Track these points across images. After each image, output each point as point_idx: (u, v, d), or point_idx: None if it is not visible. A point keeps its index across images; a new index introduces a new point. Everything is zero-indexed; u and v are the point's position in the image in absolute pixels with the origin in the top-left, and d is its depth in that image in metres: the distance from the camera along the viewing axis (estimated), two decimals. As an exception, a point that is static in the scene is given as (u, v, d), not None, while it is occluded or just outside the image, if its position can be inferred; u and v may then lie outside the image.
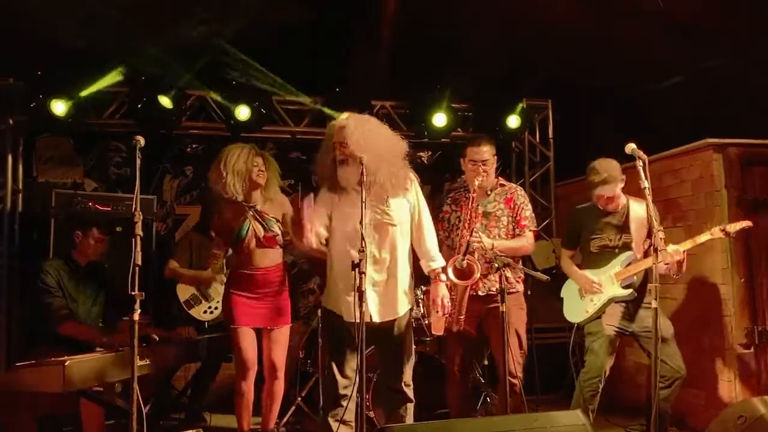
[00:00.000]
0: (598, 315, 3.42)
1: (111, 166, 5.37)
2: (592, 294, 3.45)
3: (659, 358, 3.28)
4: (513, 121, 5.58)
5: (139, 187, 2.57)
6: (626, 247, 3.41)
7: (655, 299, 2.82)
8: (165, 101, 4.84)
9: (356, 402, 3.95)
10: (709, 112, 6.45)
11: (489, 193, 3.45)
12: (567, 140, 6.23)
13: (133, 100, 4.89)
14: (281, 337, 3.48)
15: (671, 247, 3.15)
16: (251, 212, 3.40)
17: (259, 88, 5.06)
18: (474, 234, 3.10)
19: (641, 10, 5.40)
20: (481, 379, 4.41)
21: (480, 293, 3.32)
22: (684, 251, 3.20)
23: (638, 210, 3.37)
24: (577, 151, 6.48)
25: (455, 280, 3.07)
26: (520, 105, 5.62)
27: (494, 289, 3.30)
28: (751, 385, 3.89)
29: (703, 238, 3.21)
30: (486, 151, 3.38)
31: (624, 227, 3.41)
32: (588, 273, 3.49)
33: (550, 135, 6.10)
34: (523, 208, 3.44)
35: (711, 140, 3.99)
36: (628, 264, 3.38)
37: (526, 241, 3.42)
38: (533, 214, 3.50)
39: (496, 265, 2.89)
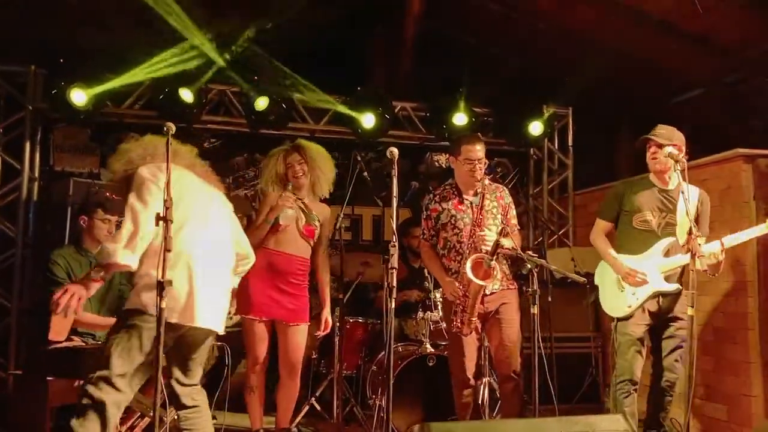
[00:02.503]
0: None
1: (128, 158, 5.32)
2: (636, 286, 3.20)
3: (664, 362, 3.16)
4: (536, 128, 5.53)
5: (170, 172, 2.51)
6: (669, 227, 3.22)
7: (692, 306, 2.76)
8: (186, 95, 4.80)
9: (377, 405, 3.94)
10: (731, 124, 6.43)
11: (478, 192, 3.39)
12: (586, 149, 6.20)
13: (155, 92, 4.86)
14: (300, 335, 3.44)
15: (708, 249, 2.99)
16: (299, 202, 3.46)
17: (281, 84, 5.02)
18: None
19: (664, 20, 5.38)
20: (496, 384, 4.34)
21: (487, 292, 3.25)
22: (722, 250, 3.01)
23: (690, 193, 3.14)
24: (596, 160, 6.48)
25: (475, 280, 3.02)
26: (546, 112, 5.55)
27: (496, 287, 3.28)
28: (776, 401, 3.81)
29: (758, 231, 3.03)
30: (480, 150, 3.35)
31: (672, 207, 3.24)
32: (628, 260, 3.25)
33: (570, 143, 6.06)
34: (512, 207, 3.46)
35: (741, 150, 3.93)
36: (668, 250, 3.19)
37: (518, 240, 3.43)
38: None
39: (529, 266, 2.83)
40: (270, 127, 5.17)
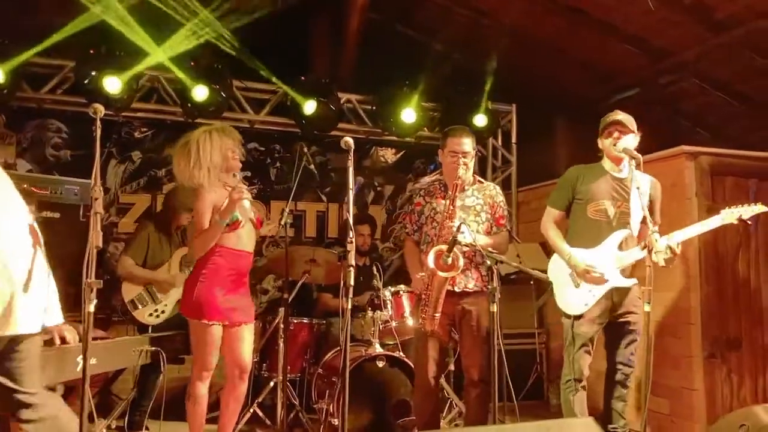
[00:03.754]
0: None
1: (48, 147, 4.87)
2: (594, 284, 3.07)
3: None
4: (480, 120, 5.49)
5: (99, 162, 2.25)
6: (624, 217, 3.12)
7: (648, 303, 2.74)
8: (114, 83, 4.42)
9: (324, 409, 3.76)
10: (664, 125, 6.63)
11: (467, 188, 3.30)
12: (525, 147, 6.24)
13: (79, 76, 4.46)
14: (251, 333, 3.23)
15: (661, 243, 2.88)
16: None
17: (219, 71, 4.73)
18: (460, 229, 2.93)
19: (604, 20, 5.47)
20: (447, 385, 4.26)
21: (456, 289, 3.14)
22: (678, 243, 2.94)
23: (641, 181, 3.07)
24: (535, 158, 6.54)
25: (438, 272, 2.89)
26: (485, 104, 5.50)
27: (470, 286, 3.17)
28: (716, 394, 3.89)
29: (711, 224, 2.97)
30: (467, 143, 3.22)
31: (626, 195, 3.13)
32: (584, 254, 3.11)
33: (514, 139, 6.07)
34: (501, 206, 3.33)
35: (685, 148, 4.00)
36: (622, 243, 3.11)
37: (504, 240, 3.30)
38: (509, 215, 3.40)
39: (488, 263, 2.72)
40: (207, 117, 4.86)
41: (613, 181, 3.19)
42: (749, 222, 2.96)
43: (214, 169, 3.08)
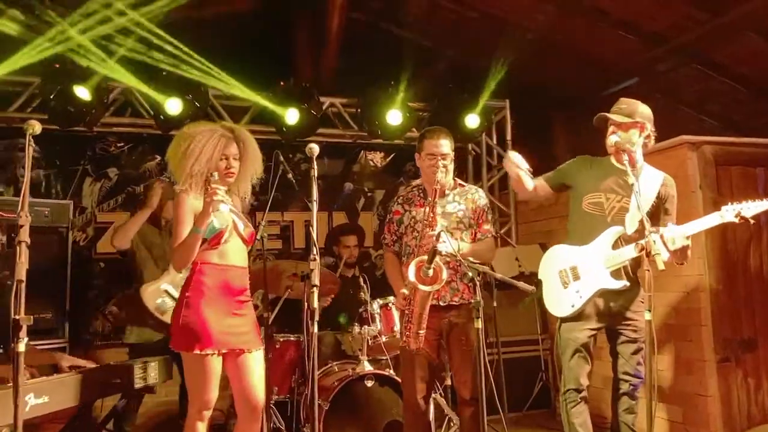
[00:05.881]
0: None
1: (19, 167, 4.68)
2: (577, 282, 2.88)
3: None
4: (472, 121, 5.26)
5: (28, 183, 2.07)
6: (621, 213, 2.88)
7: (649, 310, 2.49)
8: (82, 93, 4.24)
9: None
10: (666, 113, 6.37)
11: (447, 192, 3.08)
12: (524, 143, 5.99)
13: (45, 92, 4.27)
14: (259, 362, 2.77)
15: (669, 234, 2.69)
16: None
17: (193, 80, 4.51)
18: (440, 238, 2.69)
19: (596, 7, 5.23)
20: (443, 401, 4.01)
21: (441, 303, 2.92)
22: (688, 236, 2.71)
23: (650, 178, 2.86)
24: (533, 154, 6.29)
25: (420, 286, 2.65)
26: (481, 103, 5.27)
27: (456, 299, 2.95)
28: (732, 400, 3.63)
29: (711, 222, 2.72)
30: (445, 145, 3.02)
31: (629, 191, 2.86)
32: (571, 251, 2.95)
33: (508, 136, 5.81)
34: (486, 212, 3.11)
35: (686, 138, 3.74)
36: (616, 241, 2.86)
37: (489, 247, 3.08)
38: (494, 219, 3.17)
39: (470, 274, 2.48)
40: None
41: (616, 175, 2.93)
42: (752, 221, 2.65)
43: (201, 176, 2.67)
